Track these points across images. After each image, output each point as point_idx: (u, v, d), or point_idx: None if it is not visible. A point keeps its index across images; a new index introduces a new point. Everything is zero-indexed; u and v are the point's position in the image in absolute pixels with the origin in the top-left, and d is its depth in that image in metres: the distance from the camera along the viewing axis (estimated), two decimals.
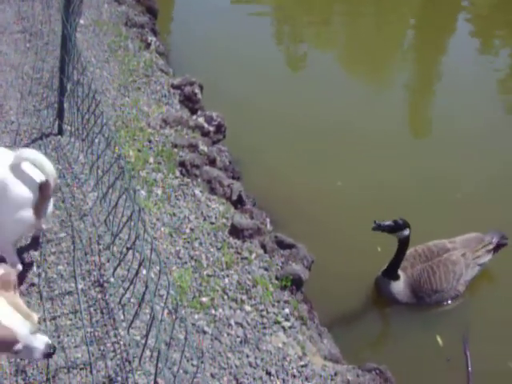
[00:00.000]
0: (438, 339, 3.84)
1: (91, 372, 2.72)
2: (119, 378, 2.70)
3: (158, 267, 3.27)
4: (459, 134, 5.56)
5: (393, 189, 4.86)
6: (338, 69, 6.96)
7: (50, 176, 2.74)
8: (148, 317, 2.85)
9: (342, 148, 5.36)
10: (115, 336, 2.90)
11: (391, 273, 4.02)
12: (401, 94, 6.59)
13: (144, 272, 2.87)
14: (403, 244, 3.94)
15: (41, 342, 2.11)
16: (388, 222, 3.81)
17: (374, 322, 4.09)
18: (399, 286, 4.01)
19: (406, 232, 3.87)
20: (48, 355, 2.14)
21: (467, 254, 4.09)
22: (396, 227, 3.83)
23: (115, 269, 3.12)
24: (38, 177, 2.73)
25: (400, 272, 4.04)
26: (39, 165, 2.71)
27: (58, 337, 2.86)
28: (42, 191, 2.75)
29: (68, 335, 2.88)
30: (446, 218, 4.60)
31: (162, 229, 3.71)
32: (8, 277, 2.12)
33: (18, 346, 2.03)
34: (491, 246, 4.20)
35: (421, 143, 5.77)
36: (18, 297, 2.15)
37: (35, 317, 2.15)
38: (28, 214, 2.74)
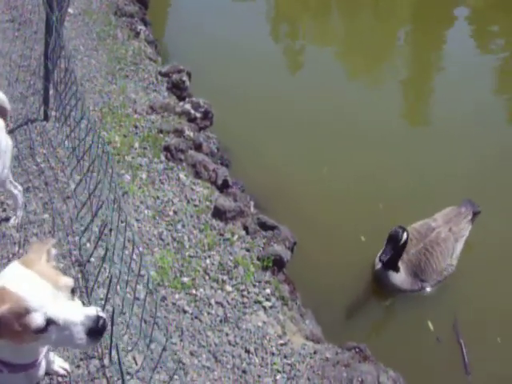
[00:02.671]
0: (429, 324, 3.83)
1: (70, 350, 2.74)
2: (96, 354, 2.73)
3: (140, 248, 3.29)
4: (451, 127, 5.52)
5: (379, 179, 4.81)
6: (329, 57, 6.93)
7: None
8: (127, 295, 2.87)
9: (331, 136, 5.33)
10: None
11: (392, 265, 3.94)
12: (394, 85, 6.54)
13: (126, 252, 2.88)
14: (403, 244, 3.86)
15: (78, 312, 1.49)
16: (389, 247, 3.70)
17: (360, 306, 4.06)
18: (401, 276, 3.96)
19: (405, 236, 3.80)
20: (95, 332, 1.49)
21: (453, 229, 4.09)
22: (397, 241, 3.74)
23: (85, 241, 3.14)
24: None
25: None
26: None
27: None
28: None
29: None
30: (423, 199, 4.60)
31: (146, 211, 3.73)
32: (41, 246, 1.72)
33: (37, 321, 1.45)
34: (469, 217, 4.21)
35: (411, 135, 5.70)
36: (47, 264, 1.67)
37: (68, 282, 1.58)
38: None
